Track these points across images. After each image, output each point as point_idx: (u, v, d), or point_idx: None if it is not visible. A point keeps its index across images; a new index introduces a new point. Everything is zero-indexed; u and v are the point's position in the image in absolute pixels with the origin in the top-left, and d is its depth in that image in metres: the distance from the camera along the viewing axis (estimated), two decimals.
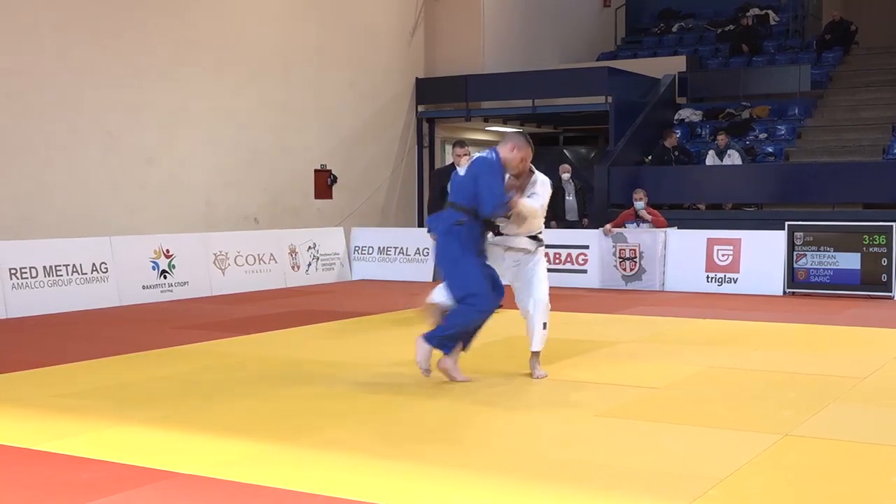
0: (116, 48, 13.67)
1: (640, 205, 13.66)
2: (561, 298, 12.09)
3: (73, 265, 11.57)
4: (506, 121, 20.42)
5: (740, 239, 13.16)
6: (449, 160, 22.13)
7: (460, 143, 10.47)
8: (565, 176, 15.36)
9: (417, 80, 19.35)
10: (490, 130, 20.87)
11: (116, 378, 7.21)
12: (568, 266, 14.02)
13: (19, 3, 12.54)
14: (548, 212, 13.41)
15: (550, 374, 7.21)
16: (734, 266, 13.06)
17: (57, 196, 12.93)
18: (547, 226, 13.67)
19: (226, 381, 7.10)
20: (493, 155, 6.85)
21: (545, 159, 20.28)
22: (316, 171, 17.07)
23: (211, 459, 4.97)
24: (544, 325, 7.10)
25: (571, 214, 15.33)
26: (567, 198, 15.36)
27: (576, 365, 7.68)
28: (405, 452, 5.10)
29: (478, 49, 19.55)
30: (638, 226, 13.62)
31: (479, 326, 6.88)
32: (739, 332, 9.60)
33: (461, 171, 9.76)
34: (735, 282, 12.99)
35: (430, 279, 14.69)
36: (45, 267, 11.30)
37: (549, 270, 13.38)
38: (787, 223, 12.88)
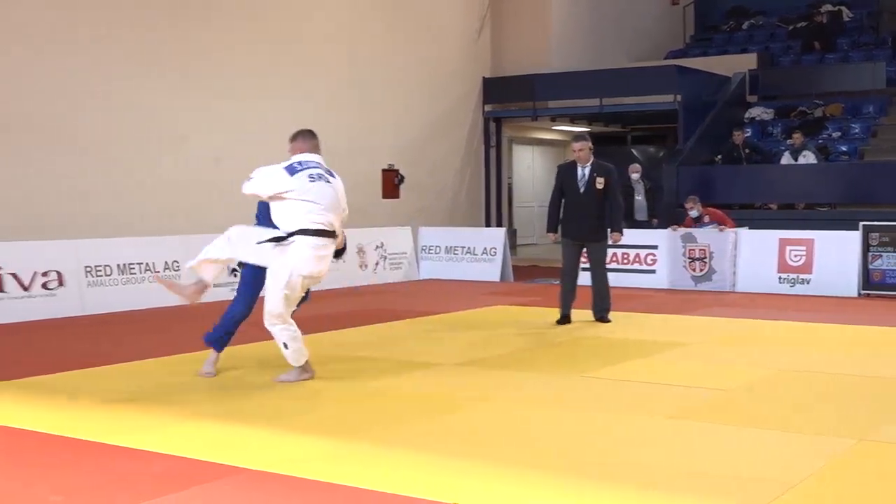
0: (188, 50, 13.88)
1: (694, 213, 13.49)
2: (629, 299, 12.03)
3: (146, 263, 11.77)
4: (573, 120, 20.34)
5: (813, 239, 12.92)
6: (520, 159, 22.18)
7: (577, 137, 10.14)
8: (635, 176, 15.23)
9: (484, 79, 19.35)
10: (557, 130, 20.80)
11: (189, 374, 7.32)
12: (636, 266, 13.90)
13: (93, 9, 12.79)
14: None
15: (619, 375, 7.15)
16: (807, 267, 12.83)
17: (131, 196, 13.16)
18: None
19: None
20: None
21: (613, 159, 20.13)
22: (384, 170, 17.16)
23: (281, 456, 5.02)
24: (285, 345, 6.89)
25: (640, 214, 15.20)
26: (636, 197, 15.24)
27: (645, 366, 7.61)
28: (475, 452, 5.10)
29: (545, 48, 19.49)
30: (700, 227, 13.46)
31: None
32: (812, 334, 9.44)
33: (581, 169, 9.75)
34: (808, 283, 12.77)
35: (498, 278, 14.70)
36: (119, 265, 11.51)
37: (617, 270, 13.55)
38: (861, 223, 12.62)
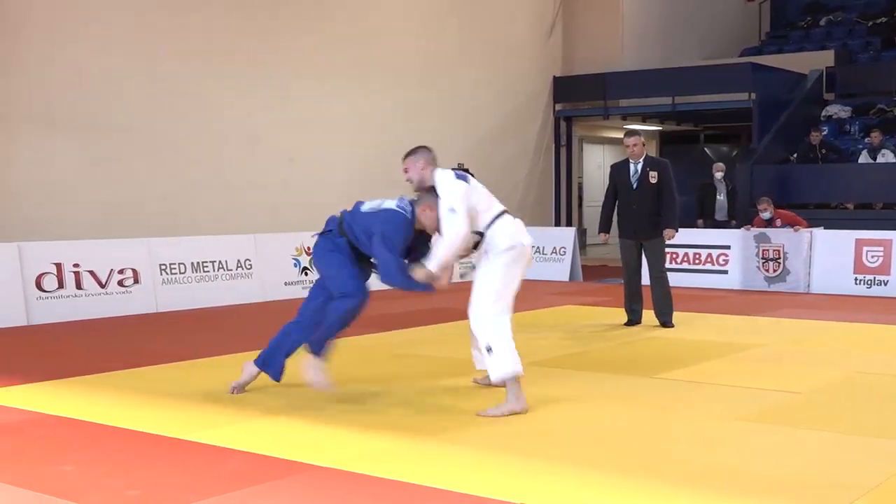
0: (259, 51, 14.07)
1: (766, 215, 13.26)
2: (701, 299, 11.89)
3: (220, 261, 11.96)
4: (644, 119, 20.18)
5: (891, 240, 12.64)
6: (591, 158, 22.06)
7: (630, 133, 9.82)
8: (718, 175, 15.05)
9: (555, 78, 19.28)
10: (626, 128, 20.64)
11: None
12: (708, 266, 13.74)
13: (168, 9, 13.02)
14: (696, 210, 12.47)
15: (690, 377, 7.08)
16: (884, 268, 12.56)
17: (204, 195, 13.38)
18: (692, 224, 12.98)
19: (365, 376, 7.22)
20: (409, 213, 6.13)
21: (685, 158, 19.97)
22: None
23: (351, 453, 5.06)
24: (488, 348, 5.93)
25: (721, 214, 15.03)
26: (718, 197, 15.07)
27: (716, 367, 7.53)
28: (544, 452, 5.09)
29: (616, 46, 19.36)
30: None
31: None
32: (889, 336, 9.24)
33: (633, 165, 9.60)
34: (885, 284, 12.50)
35: (567, 278, 14.64)
36: (192, 263, 11.71)
37: (689, 270, 13.40)
38: None
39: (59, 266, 10.60)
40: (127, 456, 5.11)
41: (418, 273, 5.98)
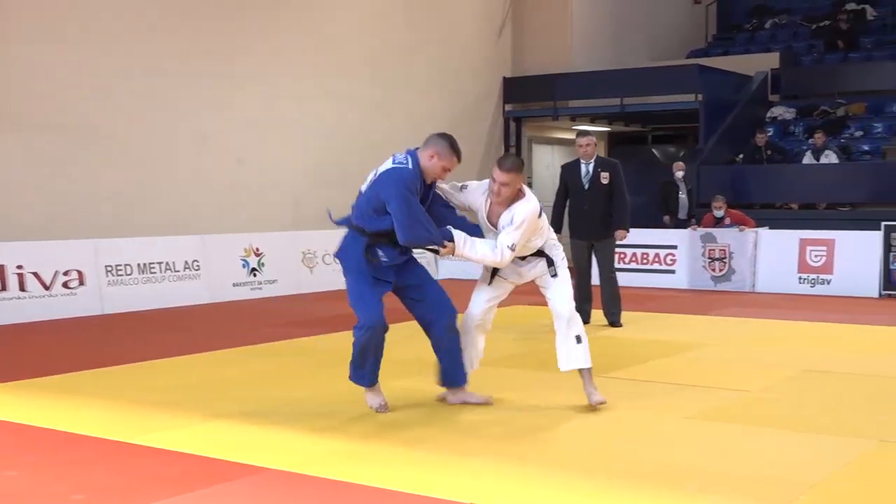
0: (209, 49, 13.92)
1: (719, 213, 13.43)
2: (648, 299, 12.00)
3: (167, 263, 11.84)
4: (593, 119, 20.28)
5: (834, 239, 12.86)
6: (540, 158, 22.13)
7: (582, 133, 9.85)
8: (679, 174, 15.19)
9: (505, 79, 19.33)
10: (577, 129, 20.74)
11: (210, 373, 7.34)
12: (655, 266, 13.87)
13: (115, 7, 12.85)
14: (661, 208, 12.47)
15: (640, 376, 7.14)
16: (827, 267, 12.77)
17: (151, 195, 13.21)
18: (644, 225, 12.98)
19: (315, 378, 7.19)
20: (410, 164, 5.93)
21: (633, 159, 20.10)
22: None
23: (300, 456, 5.03)
24: (577, 338, 6.16)
25: (682, 212, 15.18)
26: (680, 195, 15.21)
27: (665, 366, 7.59)
28: (491, 451, 5.10)
29: (566, 47, 19.44)
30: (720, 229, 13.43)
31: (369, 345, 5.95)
32: (833, 334, 9.39)
33: (585, 166, 9.63)
34: (828, 283, 12.70)
35: None
36: (139, 264, 11.58)
37: (636, 270, 13.51)
38: (883, 223, 12.56)
39: (1, 268, 10.43)
40: (72, 460, 5.04)
41: (448, 246, 5.93)
